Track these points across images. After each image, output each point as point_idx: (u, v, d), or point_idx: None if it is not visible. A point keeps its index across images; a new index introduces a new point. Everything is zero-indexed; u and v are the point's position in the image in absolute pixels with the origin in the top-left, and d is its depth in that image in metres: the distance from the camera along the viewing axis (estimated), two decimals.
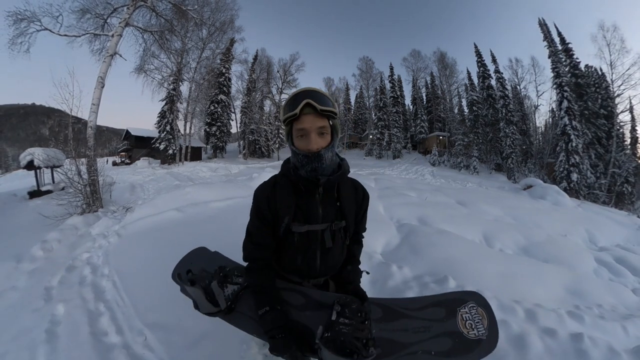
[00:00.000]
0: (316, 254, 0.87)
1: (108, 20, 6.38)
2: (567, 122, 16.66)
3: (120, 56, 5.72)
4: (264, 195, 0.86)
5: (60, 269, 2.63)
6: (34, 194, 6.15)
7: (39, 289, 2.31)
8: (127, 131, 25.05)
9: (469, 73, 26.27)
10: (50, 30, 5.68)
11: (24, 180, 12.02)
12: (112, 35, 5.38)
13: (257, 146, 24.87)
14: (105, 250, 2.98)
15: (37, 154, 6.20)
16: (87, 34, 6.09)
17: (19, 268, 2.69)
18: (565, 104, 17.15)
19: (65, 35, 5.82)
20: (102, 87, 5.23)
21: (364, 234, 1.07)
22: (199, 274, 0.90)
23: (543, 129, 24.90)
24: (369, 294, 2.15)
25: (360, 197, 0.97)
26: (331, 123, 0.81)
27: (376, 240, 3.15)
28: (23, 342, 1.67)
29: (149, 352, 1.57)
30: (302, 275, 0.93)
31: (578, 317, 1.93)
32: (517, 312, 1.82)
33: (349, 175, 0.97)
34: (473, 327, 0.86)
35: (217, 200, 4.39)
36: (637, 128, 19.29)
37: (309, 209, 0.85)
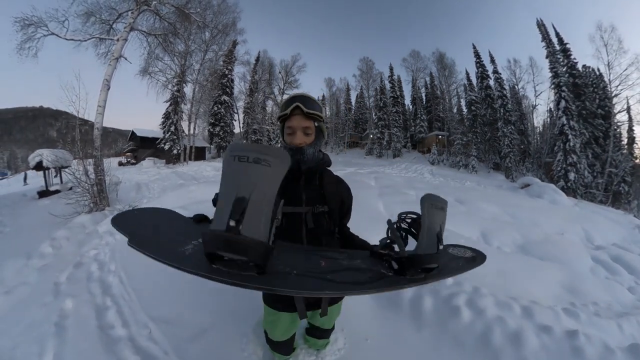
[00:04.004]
0: (302, 233, 0.95)
1: (114, 26, 6.43)
2: (565, 122, 16.68)
3: (126, 59, 5.79)
4: None
5: (69, 266, 2.68)
6: (43, 193, 6.28)
7: (49, 284, 2.36)
8: (133, 132, 25.20)
9: (467, 73, 26.30)
10: (57, 35, 5.72)
11: (32, 180, 12.13)
12: (118, 40, 5.47)
13: None
14: (112, 247, 3.04)
15: (45, 155, 6.31)
16: (93, 38, 6.15)
17: (29, 265, 2.77)
18: (562, 104, 17.19)
19: (72, 39, 5.86)
20: (108, 89, 5.32)
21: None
22: None
23: (541, 128, 24.97)
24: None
25: (343, 189, 1.09)
26: (316, 125, 0.94)
27: (378, 237, 3.18)
28: (33, 335, 1.71)
29: (153, 344, 1.61)
30: None
31: (574, 315, 1.93)
32: (514, 309, 1.84)
33: (337, 174, 1.11)
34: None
35: None
36: (634, 128, 19.32)
37: (294, 193, 0.95)
